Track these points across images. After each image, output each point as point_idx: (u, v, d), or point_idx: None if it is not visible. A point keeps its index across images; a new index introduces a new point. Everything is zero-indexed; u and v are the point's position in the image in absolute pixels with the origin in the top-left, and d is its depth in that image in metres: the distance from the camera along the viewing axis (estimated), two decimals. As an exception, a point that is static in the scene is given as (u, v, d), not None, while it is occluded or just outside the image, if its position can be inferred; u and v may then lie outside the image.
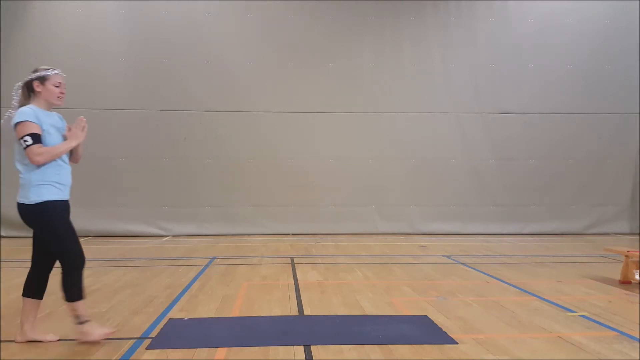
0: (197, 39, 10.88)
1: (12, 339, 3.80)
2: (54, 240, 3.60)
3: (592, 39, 11.31)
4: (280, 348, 3.60)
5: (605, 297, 5.27)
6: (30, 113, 3.54)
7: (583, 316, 4.48)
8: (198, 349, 3.58)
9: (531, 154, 11.37)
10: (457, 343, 3.71)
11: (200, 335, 3.90)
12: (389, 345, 3.64)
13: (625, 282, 5.90)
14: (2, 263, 7.24)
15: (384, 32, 11.25)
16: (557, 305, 4.88)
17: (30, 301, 3.74)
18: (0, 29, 10.50)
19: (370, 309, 4.72)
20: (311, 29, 11.19)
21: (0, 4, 10.53)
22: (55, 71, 3.70)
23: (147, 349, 3.60)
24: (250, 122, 10.98)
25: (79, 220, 11.73)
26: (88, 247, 9.21)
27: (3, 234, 10.30)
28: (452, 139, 11.29)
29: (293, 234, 10.92)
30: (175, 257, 8.04)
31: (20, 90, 3.70)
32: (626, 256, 5.94)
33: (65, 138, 3.68)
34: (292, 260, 7.65)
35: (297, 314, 4.61)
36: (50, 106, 3.70)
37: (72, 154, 3.82)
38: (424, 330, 4.04)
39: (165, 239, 10.37)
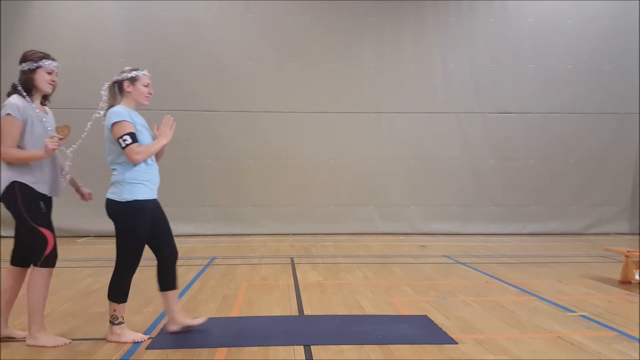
0: (197, 39, 10.87)
1: (12, 339, 3.79)
2: (127, 238, 3.70)
3: (592, 39, 11.30)
4: (280, 348, 3.60)
5: (605, 297, 5.27)
6: (125, 113, 3.63)
7: (583, 316, 4.48)
8: (198, 349, 3.59)
9: (531, 154, 11.36)
10: (457, 343, 3.71)
11: (200, 335, 3.90)
12: (389, 345, 3.64)
13: (625, 282, 5.90)
14: (2, 263, 7.24)
15: (384, 32, 11.24)
16: (557, 305, 4.88)
17: (169, 293, 3.87)
18: (0, 29, 10.50)
19: (370, 309, 4.72)
20: (311, 29, 11.18)
21: (0, 4, 10.53)
22: (144, 72, 3.81)
23: (147, 349, 3.60)
24: (250, 122, 10.98)
25: (79, 220, 11.63)
26: (88, 247, 9.25)
27: (3, 234, 10.29)
28: (452, 139, 11.27)
29: (293, 234, 10.92)
30: (175, 257, 8.05)
31: (108, 91, 3.76)
32: (626, 256, 5.94)
33: (154, 137, 3.77)
34: (292, 260, 7.65)
35: (297, 314, 4.61)
36: (138, 106, 3.80)
37: (157, 153, 3.89)
38: (424, 330, 4.04)
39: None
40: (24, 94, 3.66)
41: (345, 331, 4.01)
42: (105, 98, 3.76)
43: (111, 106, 3.71)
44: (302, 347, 3.63)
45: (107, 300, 3.74)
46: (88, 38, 10.62)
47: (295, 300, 5.08)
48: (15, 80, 3.69)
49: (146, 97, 3.80)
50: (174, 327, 3.90)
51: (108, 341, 3.72)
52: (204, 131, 10.83)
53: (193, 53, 10.83)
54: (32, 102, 3.68)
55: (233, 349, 3.60)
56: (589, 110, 11.35)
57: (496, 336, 3.90)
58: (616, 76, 11.31)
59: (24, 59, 3.72)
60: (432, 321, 4.27)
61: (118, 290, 3.71)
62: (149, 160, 3.73)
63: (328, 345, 3.65)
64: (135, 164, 3.61)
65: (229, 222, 10.98)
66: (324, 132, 11.12)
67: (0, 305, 3.72)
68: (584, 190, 11.43)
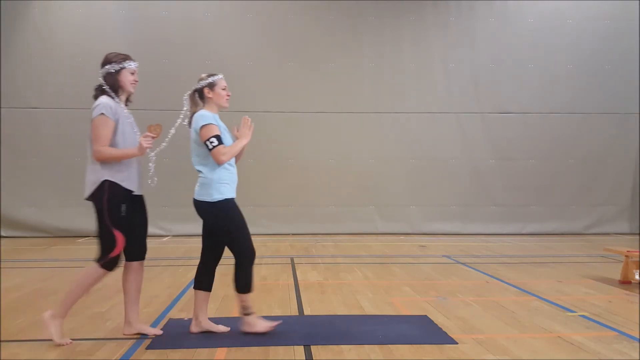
0: (197, 39, 10.86)
1: (13, 338, 3.80)
2: (233, 234, 3.85)
3: (592, 39, 11.30)
4: (280, 348, 3.60)
5: (605, 297, 5.27)
6: (210, 117, 3.82)
7: (583, 316, 4.48)
8: (198, 349, 3.59)
9: (531, 154, 11.35)
10: (457, 343, 3.71)
11: (200, 335, 3.90)
12: (389, 345, 3.64)
13: (625, 282, 5.90)
14: (2, 263, 7.25)
15: (384, 32, 11.24)
16: (557, 305, 4.88)
17: (201, 293, 3.97)
18: (0, 28, 10.50)
19: (370, 309, 4.72)
20: (311, 29, 11.18)
21: (0, 4, 10.53)
22: (220, 76, 3.97)
23: (147, 349, 3.60)
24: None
25: (79, 220, 11.63)
26: (89, 247, 9.24)
27: (3, 234, 10.28)
28: (452, 139, 11.27)
29: (293, 234, 10.92)
30: (175, 257, 8.05)
31: (189, 100, 3.98)
32: (626, 256, 5.93)
33: (234, 138, 3.94)
34: (292, 260, 7.65)
35: (297, 314, 4.61)
36: (219, 109, 3.97)
37: (237, 154, 4.04)
38: (424, 330, 4.04)
39: (165, 239, 10.37)
40: (113, 94, 3.77)
41: (345, 331, 4.02)
42: (186, 107, 3.97)
43: (194, 112, 3.90)
44: (302, 347, 3.63)
45: (238, 294, 3.84)
46: (88, 38, 10.59)
47: (295, 300, 5.08)
48: (100, 82, 3.80)
49: (226, 99, 3.96)
50: (195, 329, 3.95)
51: (243, 332, 3.85)
52: (204, 131, 10.81)
53: (193, 53, 10.82)
54: (120, 102, 3.80)
55: (233, 349, 3.60)
56: (589, 110, 11.35)
57: (496, 336, 3.90)
58: (616, 76, 11.31)
59: (108, 61, 3.85)
60: (432, 321, 4.27)
61: (246, 282, 3.84)
62: (229, 163, 3.91)
63: (328, 345, 3.65)
64: (220, 164, 3.81)
65: (229, 222, 10.96)
66: (324, 132, 11.12)
67: (124, 302, 3.88)
68: (584, 190, 11.43)
